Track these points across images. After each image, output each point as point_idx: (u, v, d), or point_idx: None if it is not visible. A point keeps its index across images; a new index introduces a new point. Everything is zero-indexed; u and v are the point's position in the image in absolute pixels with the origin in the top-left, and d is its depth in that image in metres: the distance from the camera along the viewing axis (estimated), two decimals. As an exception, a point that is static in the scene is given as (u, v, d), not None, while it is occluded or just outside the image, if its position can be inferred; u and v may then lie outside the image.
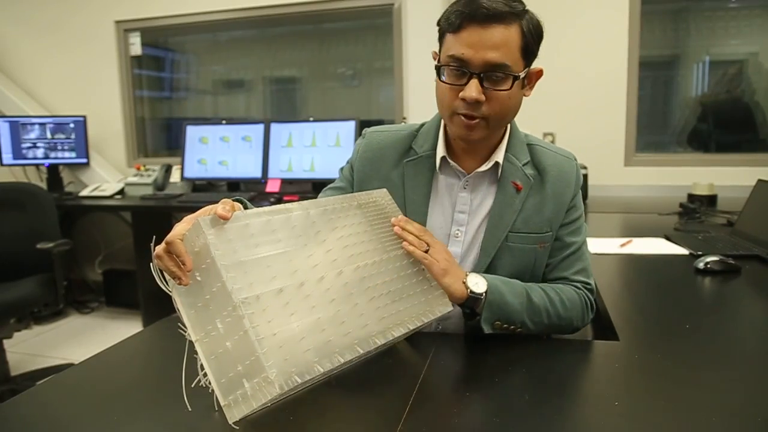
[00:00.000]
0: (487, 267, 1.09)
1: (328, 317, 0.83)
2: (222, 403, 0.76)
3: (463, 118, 1.00)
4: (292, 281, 0.82)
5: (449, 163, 1.12)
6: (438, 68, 1.01)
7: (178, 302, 0.80)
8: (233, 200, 0.87)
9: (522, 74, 1.00)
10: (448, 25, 0.98)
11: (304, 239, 0.88)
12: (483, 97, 0.97)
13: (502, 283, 1.03)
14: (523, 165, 1.11)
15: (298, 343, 0.77)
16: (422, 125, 1.19)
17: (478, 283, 0.99)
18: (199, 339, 0.78)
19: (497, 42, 0.95)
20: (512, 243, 1.10)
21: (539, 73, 1.05)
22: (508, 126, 1.13)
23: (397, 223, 1.00)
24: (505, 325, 1.02)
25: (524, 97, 1.06)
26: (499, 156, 1.10)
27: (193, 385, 0.80)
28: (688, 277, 1.44)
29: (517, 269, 1.10)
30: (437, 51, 1.05)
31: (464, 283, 0.99)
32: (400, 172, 1.15)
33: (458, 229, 1.12)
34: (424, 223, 1.12)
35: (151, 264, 0.79)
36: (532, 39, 0.99)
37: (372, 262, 0.94)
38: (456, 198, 1.13)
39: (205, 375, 0.78)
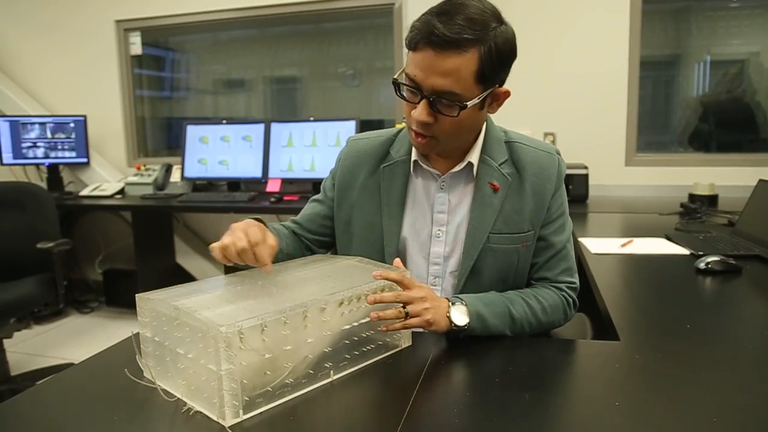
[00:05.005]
0: (470, 269, 1.11)
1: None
2: (215, 419, 0.77)
3: (413, 134, 1.03)
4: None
5: (423, 166, 1.14)
6: (395, 83, 1.01)
7: (165, 385, 0.85)
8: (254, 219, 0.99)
9: (475, 101, 0.98)
10: (408, 42, 0.97)
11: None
12: (431, 120, 0.99)
13: (483, 305, 1.03)
14: (500, 164, 1.12)
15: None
16: (401, 130, 1.21)
17: (460, 316, 1.00)
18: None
19: (447, 70, 0.93)
20: (494, 244, 1.10)
21: (506, 94, 1.04)
22: (483, 127, 1.13)
23: (371, 301, 0.91)
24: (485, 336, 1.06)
25: (508, 98, 1.05)
26: (473, 156, 1.11)
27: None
28: (689, 277, 1.43)
29: (501, 269, 1.12)
30: None
31: (448, 316, 0.99)
32: (377, 177, 1.17)
33: (439, 229, 1.14)
34: (399, 226, 1.14)
35: (137, 357, 0.89)
36: (491, 63, 0.96)
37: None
38: (434, 199, 1.14)
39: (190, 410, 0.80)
